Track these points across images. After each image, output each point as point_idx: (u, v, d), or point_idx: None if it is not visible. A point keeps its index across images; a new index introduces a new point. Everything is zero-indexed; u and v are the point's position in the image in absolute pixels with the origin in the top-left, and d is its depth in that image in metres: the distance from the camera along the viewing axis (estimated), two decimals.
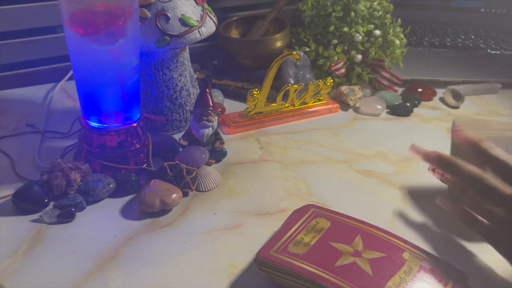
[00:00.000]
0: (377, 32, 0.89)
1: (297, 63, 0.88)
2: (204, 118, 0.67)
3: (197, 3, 0.69)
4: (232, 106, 0.84)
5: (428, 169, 0.62)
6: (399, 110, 0.85)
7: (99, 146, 0.64)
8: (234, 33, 0.98)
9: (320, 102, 0.83)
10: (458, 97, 0.89)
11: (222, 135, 0.71)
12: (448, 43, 1.09)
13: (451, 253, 0.55)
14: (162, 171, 0.63)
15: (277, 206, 0.62)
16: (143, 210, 0.59)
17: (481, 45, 1.09)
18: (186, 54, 0.73)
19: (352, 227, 0.52)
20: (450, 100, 0.89)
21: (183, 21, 0.66)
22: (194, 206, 0.61)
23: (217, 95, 0.84)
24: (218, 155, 0.70)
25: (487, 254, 0.55)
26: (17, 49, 0.87)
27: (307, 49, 0.91)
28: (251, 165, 0.70)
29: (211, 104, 0.67)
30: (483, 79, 0.95)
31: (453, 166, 0.52)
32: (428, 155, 0.55)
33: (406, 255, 0.49)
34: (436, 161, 0.54)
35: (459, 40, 1.11)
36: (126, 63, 0.61)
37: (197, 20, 0.68)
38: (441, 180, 0.60)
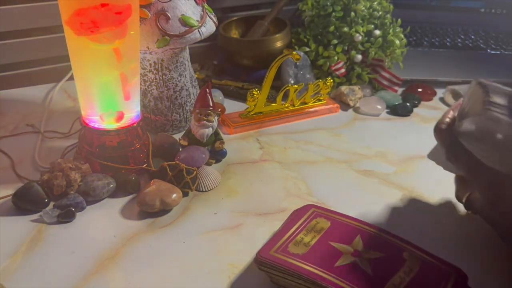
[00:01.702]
0: (377, 32, 0.89)
1: (297, 63, 0.88)
2: (204, 118, 0.67)
3: (197, 3, 0.69)
4: (232, 106, 0.84)
5: None
6: (399, 110, 0.85)
7: (99, 146, 0.64)
8: (234, 33, 0.98)
9: (320, 102, 0.83)
10: (458, 97, 0.89)
11: (222, 135, 0.71)
12: (448, 43, 1.09)
13: (451, 253, 0.55)
14: (162, 171, 0.63)
15: (277, 206, 0.62)
16: (143, 210, 0.59)
17: (481, 45, 1.09)
18: (186, 54, 0.73)
19: (352, 227, 0.52)
20: (450, 100, 0.89)
21: (183, 21, 0.66)
22: (194, 206, 0.61)
23: (217, 95, 0.84)
24: (218, 155, 0.70)
25: (487, 254, 0.55)
26: (17, 49, 0.87)
27: (307, 49, 0.91)
28: (251, 165, 0.70)
29: (211, 104, 0.67)
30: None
31: None
32: None
33: (406, 255, 0.49)
34: None
35: (459, 40, 1.11)
36: (126, 63, 0.61)
37: (197, 20, 0.68)
38: None
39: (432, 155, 0.59)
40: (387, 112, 0.86)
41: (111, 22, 0.56)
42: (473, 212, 0.55)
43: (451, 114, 0.57)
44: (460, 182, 0.58)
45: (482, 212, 0.54)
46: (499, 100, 0.51)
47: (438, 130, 0.56)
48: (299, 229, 0.52)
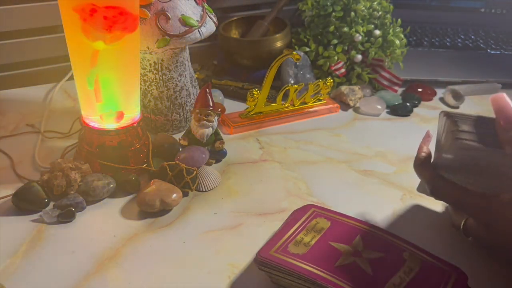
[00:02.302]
0: (377, 32, 0.89)
1: (297, 63, 0.88)
2: (204, 118, 0.67)
3: (197, 3, 0.69)
4: (232, 106, 0.84)
5: None
6: (399, 110, 0.85)
7: (99, 146, 0.64)
8: (234, 33, 0.98)
9: (320, 102, 0.83)
10: (458, 97, 0.89)
11: (222, 135, 0.71)
12: (448, 43, 1.09)
13: (451, 253, 0.55)
14: (162, 171, 0.63)
15: (277, 206, 0.62)
16: (143, 210, 0.59)
17: (481, 45, 1.09)
18: (186, 54, 0.73)
19: (352, 227, 0.52)
20: (450, 100, 0.89)
21: (183, 21, 0.66)
22: (194, 206, 0.61)
23: (217, 95, 0.84)
24: (218, 155, 0.70)
25: (487, 254, 0.54)
26: (17, 49, 0.87)
27: (307, 49, 0.91)
28: (251, 165, 0.70)
29: (211, 104, 0.67)
30: (483, 79, 0.96)
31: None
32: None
33: (406, 255, 0.49)
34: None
35: (459, 40, 1.11)
36: (126, 63, 0.61)
37: (197, 20, 0.68)
38: None
39: (421, 188, 0.59)
40: (387, 112, 0.86)
41: (111, 22, 0.56)
42: (474, 239, 0.54)
43: (425, 148, 0.57)
44: (454, 210, 0.58)
45: (480, 236, 0.53)
46: (467, 127, 0.51)
47: (417, 167, 0.55)
48: (299, 229, 0.52)
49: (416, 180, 0.67)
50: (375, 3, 0.90)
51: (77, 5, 0.54)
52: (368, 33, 0.89)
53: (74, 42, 0.59)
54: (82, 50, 0.58)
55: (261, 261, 0.48)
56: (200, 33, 0.68)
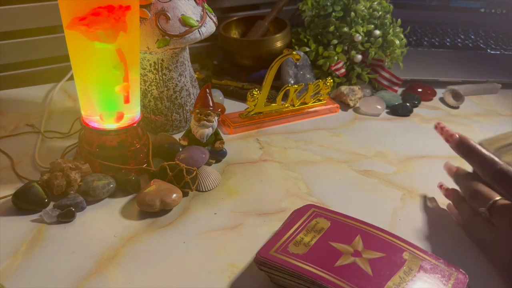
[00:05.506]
0: (377, 32, 0.89)
1: (297, 63, 0.88)
2: (204, 118, 0.67)
3: (197, 3, 0.69)
4: (232, 106, 0.84)
5: (438, 186, 0.63)
6: (399, 110, 0.85)
7: (99, 146, 0.64)
8: (234, 33, 0.98)
9: (320, 102, 0.83)
10: (458, 97, 0.89)
11: (222, 135, 0.71)
12: (448, 43, 1.09)
13: (451, 253, 0.55)
14: (162, 171, 0.63)
15: (277, 206, 0.62)
16: (143, 210, 0.59)
17: (481, 45, 1.09)
18: (186, 54, 0.73)
19: (352, 227, 0.52)
20: (450, 100, 0.89)
21: (183, 21, 0.66)
22: (194, 206, 0.61)
23: (217, 95, 0.84)
24: (218, 155, 0.70)
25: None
26: (17, 49, 0.87)
27: (307, 49, 0.91)
28: (251, 165, 0.70)
29: (211, 104, 0.67)
30: (483, 79, 0.96)
31: (471, 151, 0.54)
32: (450, 136, 0.57)
33: (406, 255, 0.49)
34: (456, 145, 0.56)
35: (459, 40, 1.11)
36: (126, 63, 0.61)
37: (197, 20, 0.68)
38: (445, 196, 0.62)
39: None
40: (387, 112, 0.86)
41: (111, 22, 0.56)
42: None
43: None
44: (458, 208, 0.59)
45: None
46: None
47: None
48: (299, 229, 0.52)
49: (416, 180, 0.68)
50: (375, 3, 0.90)
51: (76, 9, 0.54)
52: (368, 33, 0.89)
53: (74, 42, 0.59)
54: (82, 50, 0.58)
55: (261, 261, 0.48)
56: (200, 33, 0.68)
